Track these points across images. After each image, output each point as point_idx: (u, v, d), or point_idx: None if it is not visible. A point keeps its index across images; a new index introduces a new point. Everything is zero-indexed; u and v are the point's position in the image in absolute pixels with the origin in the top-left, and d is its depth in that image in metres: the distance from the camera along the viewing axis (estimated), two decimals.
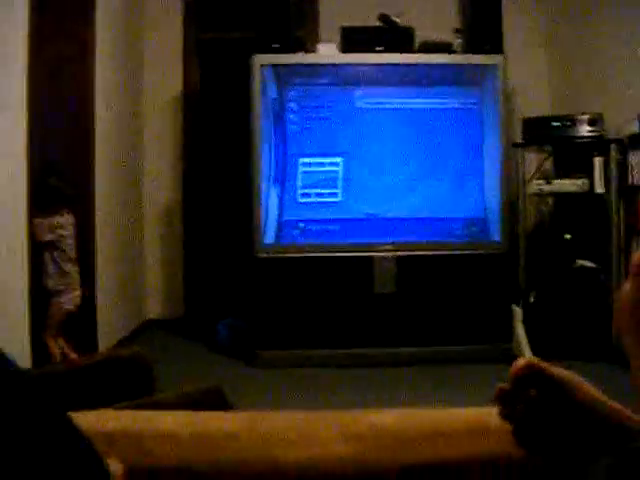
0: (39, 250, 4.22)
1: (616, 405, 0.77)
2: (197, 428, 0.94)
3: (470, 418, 0.95)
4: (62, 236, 4.32)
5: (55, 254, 4.31)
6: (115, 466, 0.79)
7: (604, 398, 0.77)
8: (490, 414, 0.89)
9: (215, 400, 1.58)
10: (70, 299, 4.41)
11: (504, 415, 0.76)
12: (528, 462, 0.82)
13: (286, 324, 5.24)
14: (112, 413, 1.02)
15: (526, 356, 0.75)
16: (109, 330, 5.28)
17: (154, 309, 6.77)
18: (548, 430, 0.75)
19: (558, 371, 0.76)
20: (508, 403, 0.75)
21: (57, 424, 0.64)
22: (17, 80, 3.86)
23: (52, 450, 0.62)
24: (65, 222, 4.36)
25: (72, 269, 4.42)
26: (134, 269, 6.40)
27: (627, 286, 0.83)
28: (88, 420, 0.71)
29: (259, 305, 5.28)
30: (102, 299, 5.12)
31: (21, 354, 3.66)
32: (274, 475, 0.90)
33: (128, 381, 1.75)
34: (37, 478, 0.59)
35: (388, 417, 0.95)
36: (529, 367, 0.73)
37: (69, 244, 4.39)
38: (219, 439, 0.91)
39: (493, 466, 0.89)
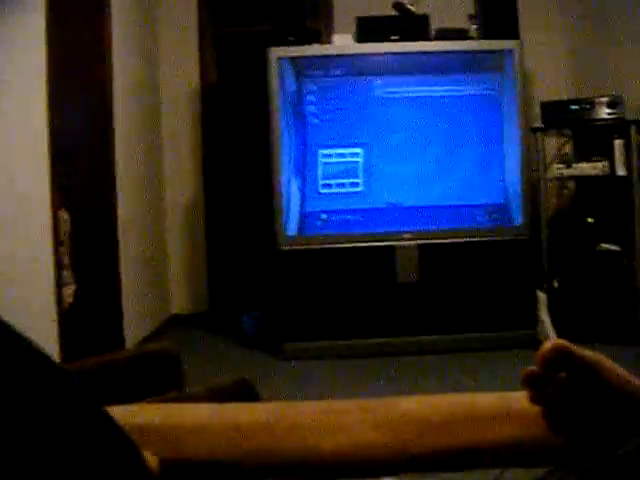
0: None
1: None
2: (228, 419, 0.94)
3: (499, 402, 0.95)
4: (65, 230, 4.33)
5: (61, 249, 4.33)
6: (150, 458, 0.80)
7: (635, 379, 0.77)
8: (519, 398, 0.90)
9: (244, 392, 1.59)
10: (70, 293, 4.41)
11: (534, 399, 0.76)
12: (558, 446, 0.82)
13: (310, 316, 5.26)
14: (143, 407, 1.03)
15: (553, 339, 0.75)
16: (135, 326, 5.32)
17: (179, 304, 6.80)
18: (580, 413, 0.76)
19: (587, 353, 0.75)
20: (538, 387, 0.75)
21: (97, 417, 0.65)
22: (36, 78, 3.89)
23: (94, 443, 0.63)
24: (66, 217, 4.37)
25: (68, 263, 4.43)
26: (158, 265, 6.43)
27: None
28: (119, 414, 0.71)
29: (283, 297, 5.30)
30: (127, 296, 5.15)
31: (49, 349, 3.70)
32: (307, 464, 0.91)
33: (157, 376, 1.77)
34: (79, 470, 0.60)
35: (417, 403, 0.95)
36: (557, 349, 0.73)
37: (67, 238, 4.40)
38: (251, 429, 0.91)
39: (526, 450, 0.89)
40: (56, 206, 4.07)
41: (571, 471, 0.70)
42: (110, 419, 0.67)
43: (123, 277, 5.09)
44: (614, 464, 0.65)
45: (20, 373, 0.57)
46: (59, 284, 4.03)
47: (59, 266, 4.17)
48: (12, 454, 0.55)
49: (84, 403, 0.63)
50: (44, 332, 3.82)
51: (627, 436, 0.68)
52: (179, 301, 6.81)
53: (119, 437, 0.67)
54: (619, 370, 0.77)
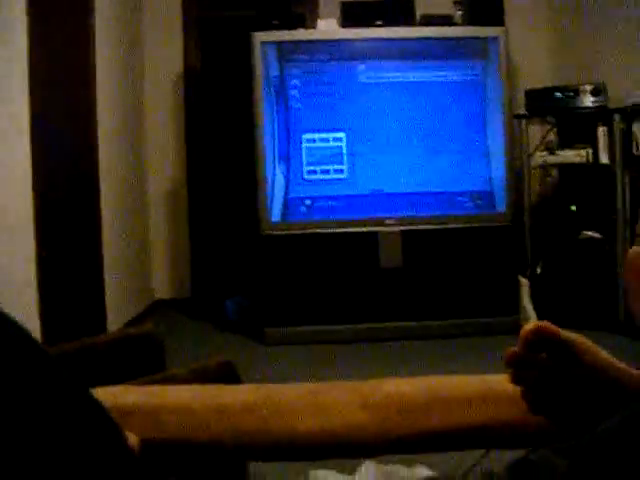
0: None
1: (628, 368, 0.77)
2: (211, 400, 0.95)
3: (481, 384, 0.96)
4: None
5: None
6: (131, 438, 0.80)
7: (615, 361, 0.78)
8: (500, 381, 0.90)
9: (226, 374, 1.59)
10: None
11: (515, 379, 0.77)
12: (539, 426, 0.83)
13: (293, 301, 5.26)
14: (125, 388, 1.03)
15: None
16: (117, 311, 5.30)
17: (162, 289, 6.79)
18: (560, 394, 0.76)
19: (568, 334, 0.76)
20: (520, 367, 0.76)
21: (80, 398, 0.66)
22: (17, 62, 3.86)
23: (77, 423, 0.63)
24: None
25: None
26: (140, 250, 6.41)
27: (635, 251, 0.83)
28: (102, 395, 0.72)
29: (266, 283, 5.30)
30: (109, 281, 5.13)
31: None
32: (292, 445, 0.91)
33: (140, 359, 1.76)
34: (63, 450, 0.60)
35: (404, 385, 0.96)
36: (539, 330, 0.74)
37: None
38: (235, 410, 0.92)
39: (508, 431, 0.90)
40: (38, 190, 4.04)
41: (551, 450, 0.71)
42: (93, 400, 0.67)
43: (105, 262, 5.07)
44: (592, 442, 0.65)
45: (6, 356, 0.57)
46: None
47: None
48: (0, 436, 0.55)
49: (68, 384, 0.63)
50: (25, 317, 3.80)
51: (606, 416, 0.69)
52: (162, 286, 6.80)
53: (101, 417, 0.67)
54: (599, 351, 0.77)
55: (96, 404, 0.67)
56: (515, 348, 0.75)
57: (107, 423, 0.68)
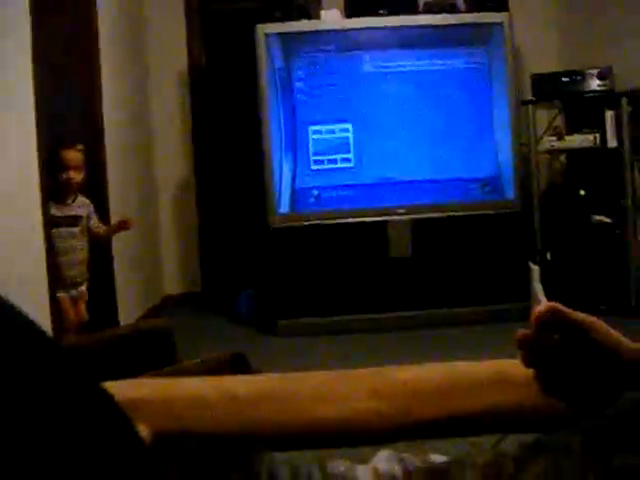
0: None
1: None
2: (225, 391, 0.94)
3: (494, 369, 0.95)
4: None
5: None
6: (143, 430, 0.80)
7: (627, 340, 0.77)
8: (512, 365, 0.90)
9: (239, 366, 1.59)
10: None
11: (527, 361, 0.76)
12: (553, 409, 0.82)
13: (304, 292, 5.26)
14: (138, 382, 1.03)
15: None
16: (129, 308, 5.32)
17: (172, 285, 6.79)
18: (573, 374, 0.76)
19: (581, 315, 0.76)
20: (531, 349, 0.75)
21: (91, 391, 0.66)
22: (22, 61, 3.85)
23: (87, 415, 0.63)
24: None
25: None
26: (150, 246, 6.42)
27: None
28: (114, 389, 0.72)
29: (277, 275, 5.30)
30: (120, 277, 5.15)
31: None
32: (306, 433, 0.91)
33: (152, 353, 1.77)
34: (72, 442, 0.60)
35: (414, 372, 0.95)
36: (551, 311, 0.73)
37: None
38: (249, 400, 0.92)
39: (523, 414, 0.89)
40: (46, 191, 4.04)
41: (566, 432, 0.71)
42: (103, 392, 0.67)
43: (116, 258, 5.09)
44: (605, 420, 0.65)
45: (19, 349, 0.57)
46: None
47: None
48: (12, 427, 0.55)
49: (78, 377, 0.63)
50: (36, 312, 3.81)
51: (620, 395, 0.68)
52: (173, 282, 6.80)
53: (111, 409, 0.67)
54: (612, 331, 0.77)
55: (106, 396, 0.67)
56: (527, 330, 0.75)
57: (117, 415, 0.68)
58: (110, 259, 5.01)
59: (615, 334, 0.77)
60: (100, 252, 4.66)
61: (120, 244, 5.16)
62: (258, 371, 1.62)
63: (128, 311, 5.28)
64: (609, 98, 5.36)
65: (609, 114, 5.33)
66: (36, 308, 3.69)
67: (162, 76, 6.70)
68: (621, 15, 5.55)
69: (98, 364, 1.61)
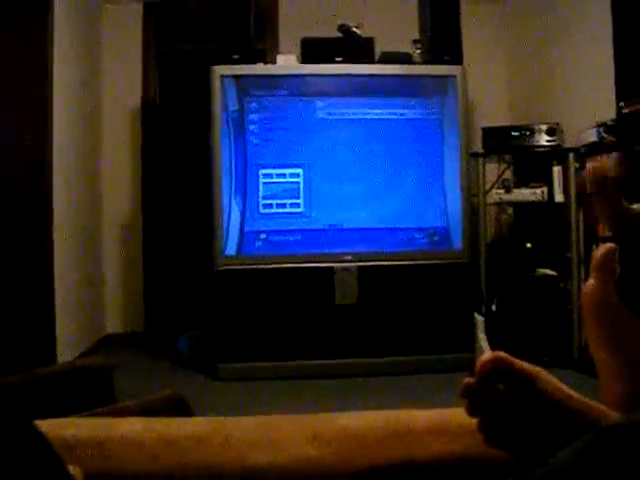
0: None
1: (587, 401, 0.76)
2: (160, 432, 0.91)
3: (436, 418, 0.94)
4: None
5: None
6: (75, 472, 0.77)
7: (572, 393, 0.77)
8: (455, 414, 0.88)
9: (177, 407, 1.56)
10: None
11: (470, 410, 0.75)
12: (494, 459, 0.81)
13: (247, 336, 5.21)
14: (71, 420, 1.00)
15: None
16: (68, 345, 5.21)
17: (114, 324, 6.69)
18: (515, 425, 0.75)
19: (525, 365, 0.75)
20: (475, 398, 0.74)
21: (21, 430, 0.63)
22: None
23: (19, 456, 0.61)
24: None
25: None
26: (93, 284, 6.33)
27: (589, 285, 0.82)
28: (48, 428, 0.69)
29: (220, 318, 5.24)
30: (60, 314, 5.05)
31: None
32: (242, 478, 0.88)
33: (88, 391, 1.72)
34: None
35: (355, 419, 0.93)
36: (496, 361, 0.73)
37: None
38: (184, 443, 0.89)
39: (461, 464, 0.88)
40: None
41: None
42: (35, 431, 0.64)
43: (57, 295, 4.99)
44: (547, 472, 0.64)
45: None
46: None
47: None
48: None
49: (9, 417, 0.60)
50: None
51: (563, 446, 0.67)
52: (114, 321, 6.70)
53: (42, 449, 0.64)
54: (556, 383, 0.76)
55: (38, 436, 0.64)
56: (470, 379, 0.74)
57: (48, 454, 0.65)
58: (51, 295, 4.92)
59: (558, 384, 0.76)
60: (41, 287, 4.58)
61: (62, 280, 5.08)
62: (197, 414, 1.58)
63: (67, 349, 5.17)
64: (557, 153, 5.46)
65: (556, 169, 5.43)
66: None
67: (115, 114, 6.67)
68: (569, 74, 5.69)
69: (32, 402, 1.56)
